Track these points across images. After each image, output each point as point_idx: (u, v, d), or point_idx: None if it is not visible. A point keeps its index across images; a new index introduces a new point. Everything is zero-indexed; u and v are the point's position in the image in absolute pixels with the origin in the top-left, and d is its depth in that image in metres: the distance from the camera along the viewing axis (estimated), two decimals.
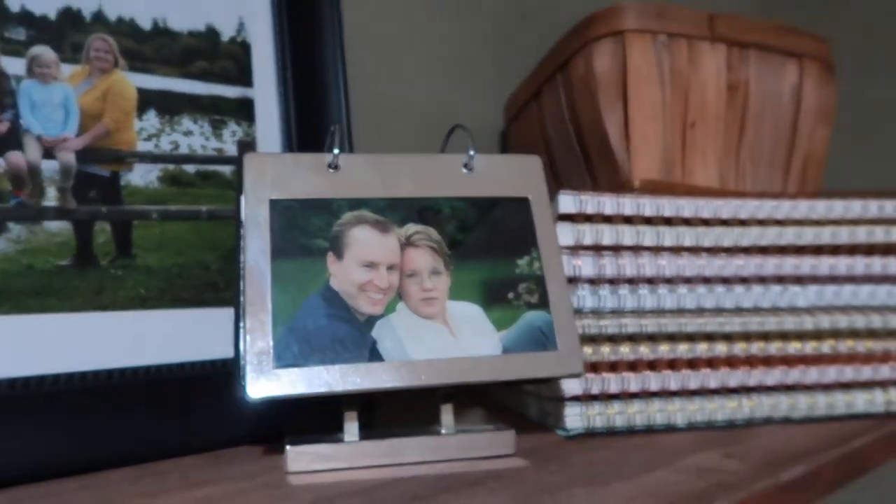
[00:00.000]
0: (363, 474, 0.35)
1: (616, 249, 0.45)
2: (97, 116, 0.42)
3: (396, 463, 0.37)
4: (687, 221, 0.46)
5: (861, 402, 0.46)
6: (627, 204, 0.45)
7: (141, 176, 0.43)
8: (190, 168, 0.45)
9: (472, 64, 0.71)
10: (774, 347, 0.46)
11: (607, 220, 0.45)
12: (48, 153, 0.40)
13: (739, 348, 0.45)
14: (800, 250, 0.47)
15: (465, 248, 0.40)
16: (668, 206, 0.45)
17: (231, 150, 0.47)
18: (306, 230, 0.38)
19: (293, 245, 0.37)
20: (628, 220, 0.45)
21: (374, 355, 0.36)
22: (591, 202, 0.44)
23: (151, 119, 0.44)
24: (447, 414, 0.39)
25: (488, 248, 0.40)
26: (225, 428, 0.42)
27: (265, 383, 0.34)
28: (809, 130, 0.52)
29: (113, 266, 0.41)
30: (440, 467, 0.36)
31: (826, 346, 0.47)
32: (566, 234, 0.44)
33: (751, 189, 0.51)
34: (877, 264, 0.48)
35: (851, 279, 0.48)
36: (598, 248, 0.44)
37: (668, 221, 0.46)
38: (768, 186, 0.52)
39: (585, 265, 0.44)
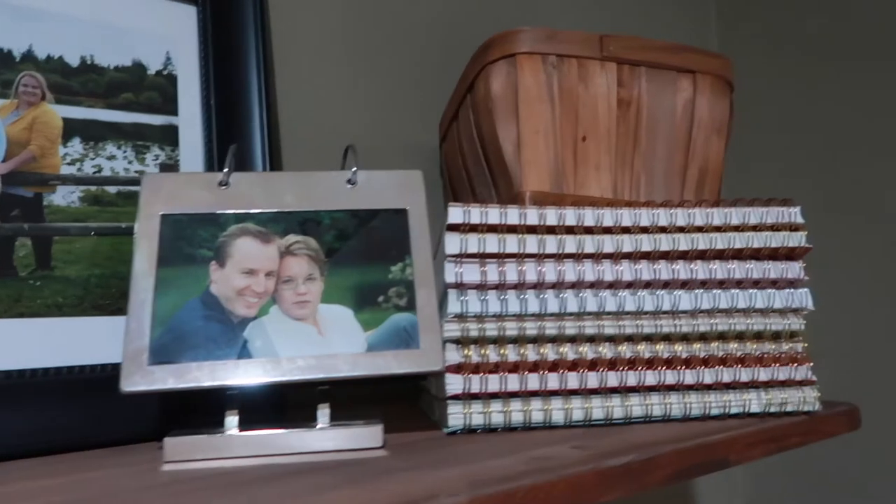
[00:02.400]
0: (234, 464, 0.39)
1: (500, 257, 0.47)
2: (24, 144, 0.47)
3: (269, 454, 0.40)
4: (569, 229, 0.48)
5: (738, 402, 0.48)
6: (511, 214, 0.48)
7: (63, 196, 0.48)
8: (112, 189, 0.50)
9: (412, 87, 0.75)
10: (653, 349, 0.48)
11: (492, 229, 0.48)
12: None
13: (619, 350, 0.48)
14: (681, 255, 0.49)
15: (341, 256, 0.43)
16: (550, 215, 0.48)
17: (155, 172, 0.52)
18: (192, 241, 0.42)
19: (179, 254, 0.41)
20: (512, 228, 0.48)
21: (244, 353, 0.40)
22: (476, 213, 0.47)
23: (76, 146, 0.49)
24: (323, 410, 0.42)
25: (364, 255, 0.43)
26: (135, 424, 0.45)
27: (138, 379, 0.38)
28: (704, 142, 0.54)
29: (32, 277, 0.45)
30: (309, 457, 0.39)
31: (705, 349, 0.49)
32: (453, 244, 0.47)
33: (646, 199, 0.54)
34: (755, 269, 0.50)
35: (730, 283, 0.50)
36: (482, 256, 0.47)
37: (550, 230, 0.48)
38: (665, 196, 0.54)
39: (469, 272, 0.47)
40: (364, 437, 0.41)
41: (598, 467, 0.35)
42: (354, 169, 0.45)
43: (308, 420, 0.42)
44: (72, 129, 0.49)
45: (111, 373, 0.46)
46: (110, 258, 0.48)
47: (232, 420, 0.41)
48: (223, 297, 0.41)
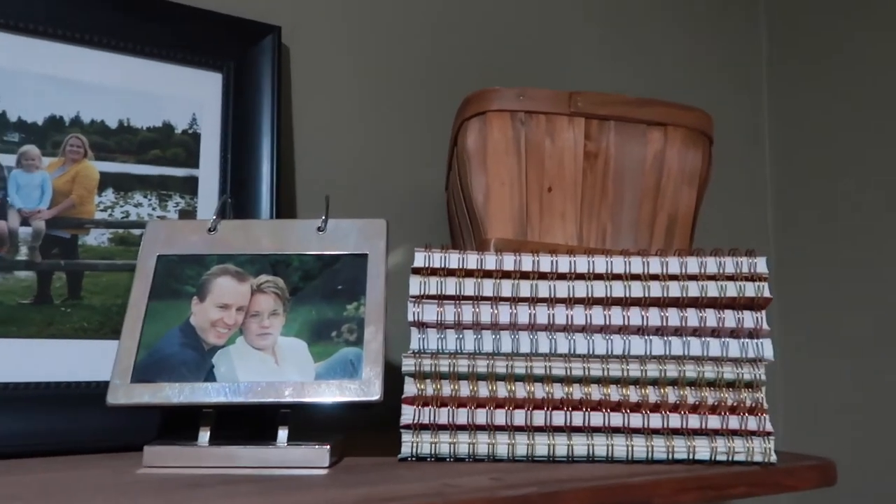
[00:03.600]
0: (199, 472, 0.45)
1: (457, 299, 0.51)
2: (66, 194, 0.56)
3: (232, 465, 0.46)
4: (524, 274, 0.52)
5: (683, 448, 0.49)
6: (470, 259, 0.52)
7: (95, 237, 0.57)
8: (136, 231, 0.58)
9: (423, 135, 0.81)
10: (604, 392, 0.50)
11: (451, 273, 0.52)
12: (25, 221, 0.55)
13: (567, 391, 0.50)
14: (634, 302, 0.51)
15: (304, 294, 0.49)
16: (507, 260, 0.52)
17: (174, 217, 0.60)
18: (180, 278, 0.49)
19: (167, 290, 0.49)
20: (470, 273, 0.52)
21: (210, 377, 0.46)
22: (437, 258, 0.52)
23: (109, 195, 0.58)
24: (282, 431, 0.47)
25: (323, 294, 0.49)
26: (142, 433, 0.53)
27: (120, 394, 0.45)
28: (674, 192, 0.56)
29: (64, 305, 0.54)
30: (264, 471, 0.45)
31: (655, 394, 0.50)
32: (414, 285, 0.52)
33: (612, 247, 0.56)
34: (712, 317, 0.50)
35: (685, 331, 0.51)
36: (440, 298, 0.51)
37: (507, 275, 0.52)
38: (632, 244, 0.56)
39: (428, 312, 0.51)
40: (311, 457, 0.46)
41: (491, 496, 0.38)
42: (324, 217, 0.51)
43: (272, 438, 0.47)
44: (107, 181, 0.58)
45: None
46: (129, 290, 0.57)
47: (204, 434, 0.47)
48: (199, 328, 0.47)
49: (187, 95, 0.63)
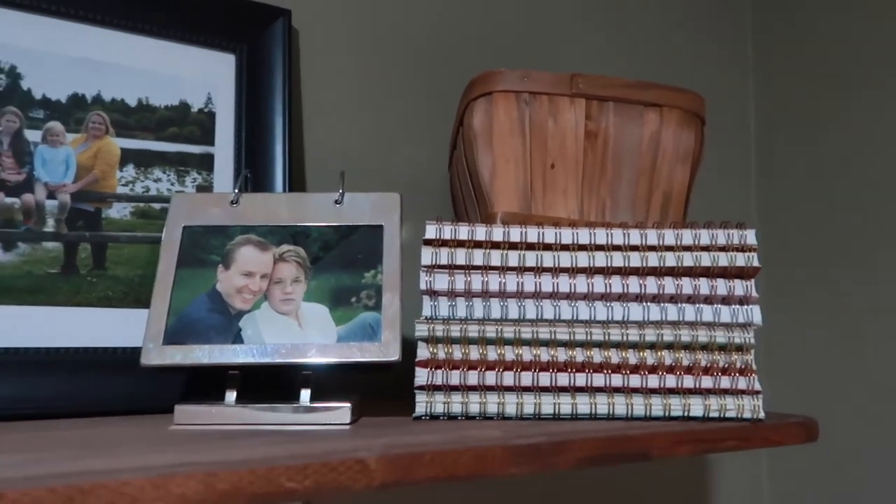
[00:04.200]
0: (226, 429, 0.48)
1: (467, 269, 0.55)
2: (90, 169, 0.59)
3: (259, 423, 0.49)
4: (530, 245, 0.55)
5: (679, 406, 0.52)
6: (479, 231, 0.55)
7: (117, 211, 0.59)
8: (156, 205, 0.61)
9: (426, 121, 0.83)
10: (604, 355, 0.53)
11: (461, 244, 0.55)
12: (51, 195, 0.57)
13: (571, 354, 0.53)
14: (633, 271, 0.54)
15: (324, 263, 0.52)
16: (514, 232, 0.55)
17: (184, 192, 0.63)
18: (205, 248, 0.52)
19: (194, 259, 0.51)
20: (479, 244, 0.55)
21: (238, 339, 0.49)
22: (448, 230, 0.55)
23: (130, 170, 0.60)
24: (305, 391, 0.50)
25: (342, 263, 0.52)
26: (162, 396, 0.56)
27: (154, 356, 0.48)
28: (669, 171, 0.60)
29: (90, 275, 0.57)
30: (288, 428, 0.48)
31: (653, 356, 0.53)
32: (426, 256, 0.55)
33: (609, 220, 0.59)
34: (704, 285, 0.54)
35: (681, 298, 0.54)
36: (451, 267, 0.55)
37: (513, 245, 0.55)
38: (629, 219, 0.60)
39: (439, 280, 0.54)
40: (333, 415, 0.49)
41: (505, 444, 0.41)
42: (341, 191, 0.54)
43: (294, 399, 0.50)
44: (127, 157, 0.60)
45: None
46: (150, 262, 0.59)
47: (231, 395, 0.50)
48: (225, 294, 0.50)
49: (203, 76, 0.65)
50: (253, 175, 0.64)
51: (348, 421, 0.49)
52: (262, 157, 0.65)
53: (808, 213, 1.03)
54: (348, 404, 0.49)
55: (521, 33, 0.91)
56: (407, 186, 0.79)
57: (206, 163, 0.64)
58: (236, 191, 0.54)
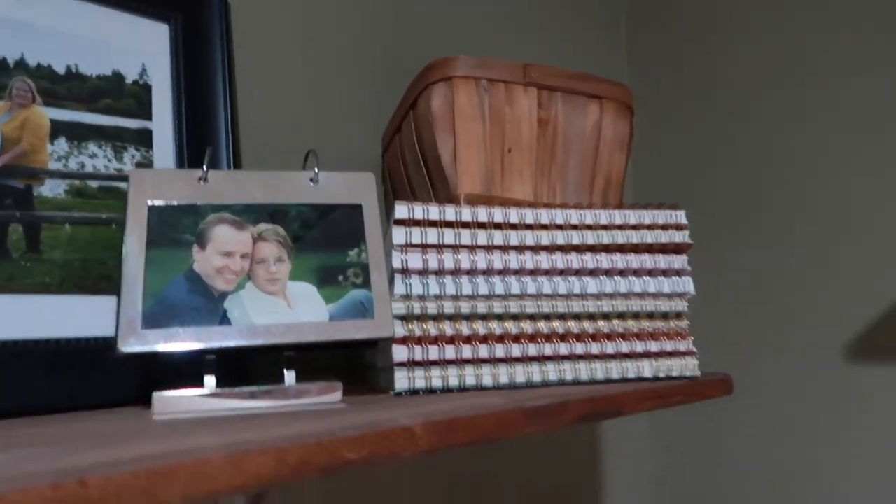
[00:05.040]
0: (214, 415, 0.45)
1: (439, 247, 0.56)
2: (16, 141, 0.52)
3: (246, 406, 0.47)
4: (497, 225, 0.58)
5: (634, 368, 0.58)
6: (448, 211, 0.57)
7: (51, 189, 0.53)
8: (93, 183, 0.55)
9: (356, 103, 0.83)
10: (566, 326, 0.58)
11: (432, 224, 0.56)
12: None
13: (538, 326, 0.57)
14: (589, 248, 0.59)
15: (306, 242, 0.51)
16: (481, 213, 0.57)
17: (131, 170, 0.58)
18: (177, 227, 0.49)
19: (165, 238, 0.48)
20: (449, 224, 0.57)
21: (224, 321, 0.46)
22: (419, 210, 0.56)
23: (62, 144, 0.54)
24: (289, 373, 0.49)
25: (324, 242, 0.51)
26: (108, 390, 0.51)
27: (133, 341, 0.44)
28: (608, 157, 0.65)
29: (23, 259, 0.51)
30: (279, 410, 0.46)
31: (608, 326, 0.59)
32: (399, 235, 0.55)
33: (561, 202, 0.64)
34: (649, 261, 0.60)
35: (628, 272, 0.60)
36: (424, 247, 0.56)
37: (481, 225, 0.57)
38: (575, 200, 0.64)
39: (413, 259, 0.55)
40: (325, 392, 0.48)
41: (521, 406, 0.44)
42: (316, 170, 0.53)
43: (274, 382, 0.49)
44: (58, 129, 0.54)
45: (92, 345, 0.52)
46: (90, 244, 0.54)
47: (210, 380, 0.47)
48: (205, 275, 0.47)
49: (135, 44, 0.60)
50: (197, 152, 0.61)
51: (340, 399, 0.49)
52: (205, 133, 0.62)
53: (689, 183, 1.16)
54: (339, 383, 0.49)
55: (448, 19, 0.93)
56: (337, 168, 0.79)
57: (144, 138, 0.59)
58: (204, 168, 0.51)
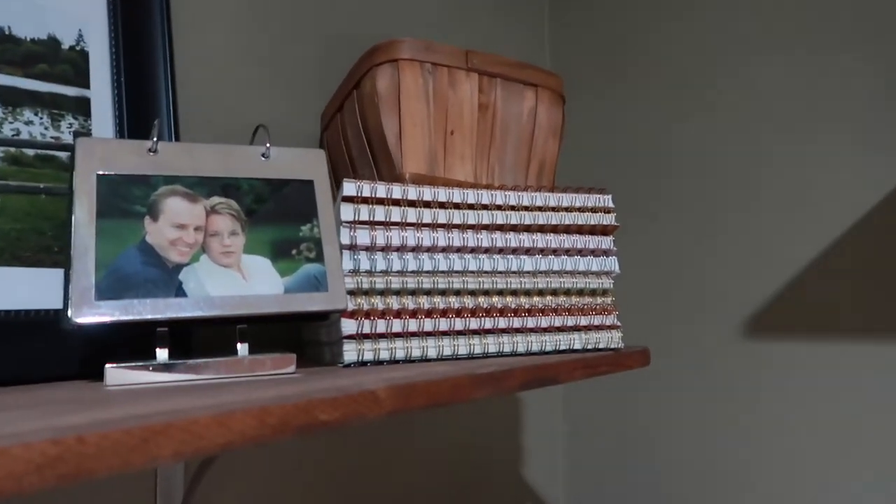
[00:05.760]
0: (165, 385, 0.45)
1: (386, 224, 0.58)
2: None
3: (200, 378, 0.47)
4: (441, 204, 0.60)
5: (566, 341, 0.63)
6: (395, 190, 0.59)
7: None
8: (30, 151, 0.53)
9: (295, 81, 0.83)
10: (505, 301, 0.61)
11: (380, 202, 0.58)
12: None
13: (478, 301, 0.60)
14: (525, 228, 0.63)
15: (259, 216, 0.51)
16: (426, 192, 0.60)
17: (68, 139, 0.56)
18: (127, 198, 0.48)
19: (115, 209, 0.47)
20: (396, 202, 0.59)
21: (180, 293, 0.47)
22: (367, 188, 0.58)
23: None
24: (242, 345, 0.50)
25: (278, 216, 0.52)
26: (50, 364, 0.50)
27: (86, 311, 0.44)
28: (543, 142, 0.69)
29: None
30: (234, 380, 0.47)
31: (542, 301, 0.63)
32: (347, 212, 0.57)
33: (499, 184, 0.67)
34: (579, 241, 0.65)
35: (561, 251, 0.64)
36: (371, 223, 0.58)
37: (426, 204, 0.60)
38: (512, 183, 0.68)
39: (361, 236, 0.57)
40: (280, 363, 0.50)
41: (471, 373, 0.47)
42: (268, 145, 0.54)
43: (226, 354, 0.50)
44: None
45: (32, 318, 0.51)
46: (29, 214, 0.52)
47: (163, 353, 0.47)
48: (158, 246, 0.47)
49: (72, 9, 0.58)
50: (137, 123, 0.60)
51: (294, 370, 0.50)
52: (146, 104, 0.60)
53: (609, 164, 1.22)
54: (293, 355, 0.50)
55: (391, 4, 0.94)
56: (276, 144, 0.78)
57: (81, 107, 0.57)
58: (154, 139, 0.50)
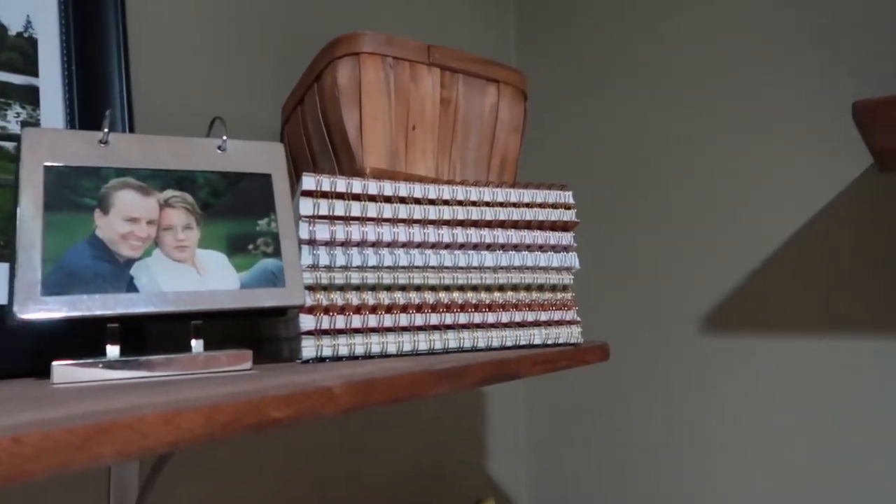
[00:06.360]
0: (115, 383, 0.44)
1: (346, 219, 0.58)
2: None
3: (153, 375, 0.46)
4: (402, 199, 0.60)
5: (526, 336, 0.63)
6: (355, 185, 0.58)
7: None
8: None
9: (255, 73, 0.82)
10: (466, 297, 0.61)
11: (340, 196, 0.58)
12: None
13: (439, 296, 0.60)
14: (486, 224, 0.63)
15: (215, 210, 0.51)
16: (387, 187, 0.59)
17: (16, 129, 0.54)
18: (76, 190, 0.47)
19: (64, 201, 0.46)
20: (356, 197, 0.58)
21: (132, 288, 0.46)
22: (327, 182, 0.57)
23: None
24: (198, 342, 0.49)
25: (234, 210, 0.51)
26: (1, 360, 0.49)
27: (31, 306, 0.42)
28: (504, 138, 0.69)
29: None
30: (189, 377, 0.46)
31: (502, 297, 0.63)
32: (306, 206, 0.56)
33: (459, 179, 0.67)
34: (540, 237, 0.65)
35: (521, 247, 0.65)
36: (331, 218, 0.57)
37: (387, 199, 0.59)
38: (474, 178, 0.68)
39: (321, 230, 0.56)
40: (235, 360, 0.49)
41: (430, 369, 0.47)
42: (224, 138, 0.53)
43: (180, 350, 0.49)
44: None
45: None
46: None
47: (113, 349, 0.46)
48: (108, 241, 0.46)
49: None
50: (89, 113, 0.58)
51: (250, 367, 0.49)
52: (98, 94, 0.59)
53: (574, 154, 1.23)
54: (250, 350, 0.50)
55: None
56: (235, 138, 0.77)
57: (30, 96, 0.56)
58: (106, 130, 0.49)
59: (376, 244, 0.58)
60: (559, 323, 0.65)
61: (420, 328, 0.59)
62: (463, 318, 0.61)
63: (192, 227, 0.49)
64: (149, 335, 0.57)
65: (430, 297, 0.60)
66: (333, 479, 0.89)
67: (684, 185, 1.08)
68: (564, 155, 1.22)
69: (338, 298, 0.56)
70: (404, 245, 0.60)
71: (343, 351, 0.56)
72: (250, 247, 0.51)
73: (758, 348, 1.00)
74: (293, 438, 0.85)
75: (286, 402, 0.36)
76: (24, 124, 0.55)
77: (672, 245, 1.09)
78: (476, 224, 0.63)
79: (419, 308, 0.59)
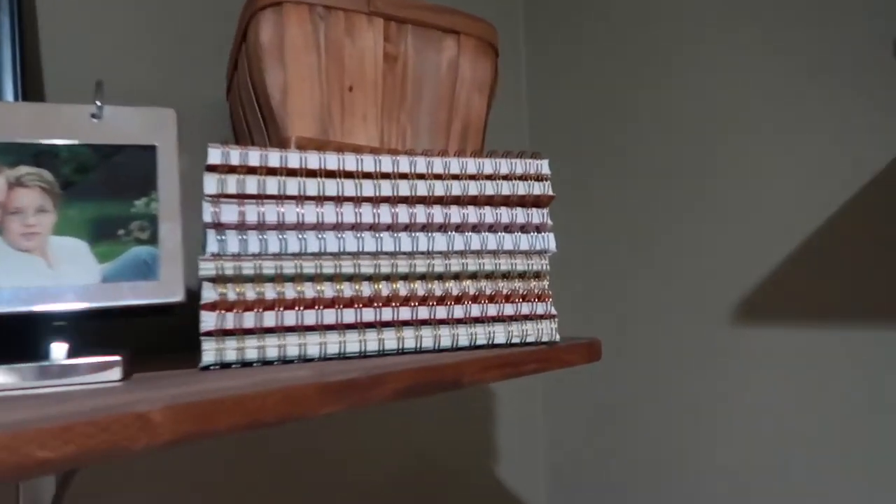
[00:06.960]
0: None
1: (259, 198, 0.48)
2: None
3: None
4: (330, 173, 0.50)
5: (484, 334, 0.52)
6: (271, 157, 0.49)
7: None
8: None
9: (202, 43, 0.74)
10: (410, 287, 0.51)
11: (252, 171, 0.48)
12: None
13: (376, 288, 0.50)
14: (437, 200, 0.53)
15: (80, 189, 0.42)
16: (311, 159, 0.50)
17: None
18: None
19: None
20: (272, 171, 0.49)
21: None
22: (236, 155, 0.48)
23: None
24: (58, 346, 0.41)
25: (105, 189, 0.43)
26: None
27: None
28: (466, 99, 0.58)
29: None
30: (40, 390, 0.38)
31: (458, 286, 0.52)
32: (210, 184, 0.47)
33: (413, 148, 0.57)
34: (506, 214, 0.54)
35: (482, 227, 0.54)
36: (241, 197, 0.48)
37: (311, 173, 0.50)
38: (430, 147, 0.58)
39: (227, 212, 0.47)
40: (99, 372, 0.41)
41: (319, 381, 0.37)
42: (98, 103, 0.44)
43: (42, 357, 0.41)
44: None
45: None
46: None
47: None
48: None
49: None
50: None
51: (119, 378, 0.41)
52: None
53: (578, 138, 1.11)
54: (118, 357, 0.41)
55: None
56: (187, 116, 0.69)
57: None
58: None
59: (298, 227, 0.49)
60: (528, 317, 0.55)
61: (350, 326, 0.49)
62: (405, 314, 0.51)
63: (46, 210, 0.41)
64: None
65: (365, 288, 0.50)
66: (324, 485, 0.81)
67: (709, 156, 0.94)
68: (572, 123, 1.09)
69: (248, 292, 0.47)
70: (333, 227, 0.50)
71: (251, 355, 0.47)
72: (121, 232, 0.42)
73: (769, 337, 0.86)
74: (240, 442, 0.77)
75: (61, 438, 0.27)
76: None
77: (680, 228, 0.96)
78: (424, 201, 0.52)
79: (350, 302, 0.50)
